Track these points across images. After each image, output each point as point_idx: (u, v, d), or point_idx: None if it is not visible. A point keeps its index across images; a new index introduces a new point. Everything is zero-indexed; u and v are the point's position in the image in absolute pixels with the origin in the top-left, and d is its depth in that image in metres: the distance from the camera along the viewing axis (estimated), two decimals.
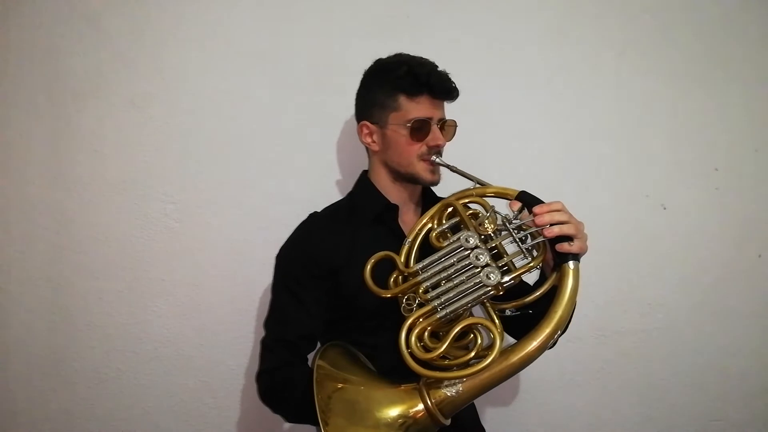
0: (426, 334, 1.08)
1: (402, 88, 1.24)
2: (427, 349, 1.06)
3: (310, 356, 1.27)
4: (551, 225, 1.07)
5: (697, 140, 1.80)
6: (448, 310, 1.08)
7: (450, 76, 1.27)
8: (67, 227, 1.64)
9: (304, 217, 1.35)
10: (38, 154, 1.63)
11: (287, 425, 1.68)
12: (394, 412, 1.07)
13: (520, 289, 1.15)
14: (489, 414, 1.75)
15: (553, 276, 1.10)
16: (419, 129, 1.24)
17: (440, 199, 1.37)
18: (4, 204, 1.63)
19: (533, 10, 1.75)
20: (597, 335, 1.78)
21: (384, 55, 1.34)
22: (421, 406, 1.06)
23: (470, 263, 1.09)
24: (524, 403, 1.77)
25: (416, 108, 1.24)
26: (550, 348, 1.08)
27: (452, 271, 1.10)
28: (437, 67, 1.27)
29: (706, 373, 1.81)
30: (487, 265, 1.08)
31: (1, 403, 1.65)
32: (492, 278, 1.07)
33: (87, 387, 1.66)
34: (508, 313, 1.13)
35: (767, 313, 1.82)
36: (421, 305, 1.10)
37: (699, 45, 1.80)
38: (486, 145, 1.70)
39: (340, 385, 1.09)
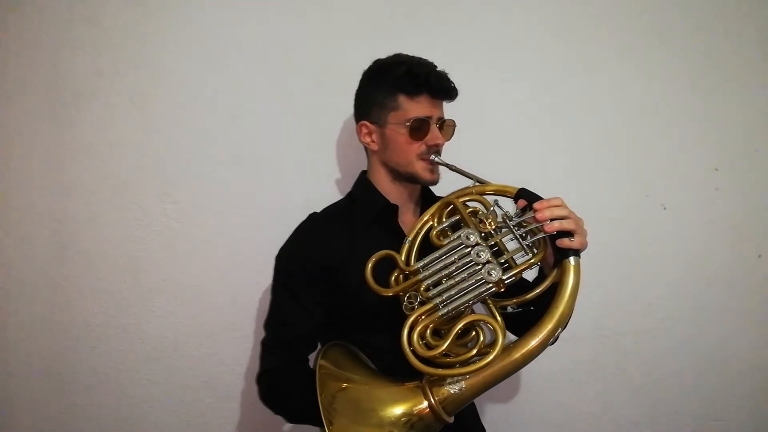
0: (428, 331, 1.08)
1: (401, 87, 1.24)
2: (429, 347, 1.06)
3: (311, 357, 1.27)
4: (552, 220, 1.08)
5: (697, 140, 1.80)
6: (450, 308, 1.08)
7: (449, 75, 1.28)
8: (67, 227, 1.64)
9: (304, 217, 1.35)
10: (38, 154, 1.63)
11: (288, 425, 1.68)
12: (397, 410, 1.07)
13: (520, 286, 1.15)
14: (490, 414, 1.75)
15: (554, 272, 1.10)
16: (419, 128, 1.24)
17: (439, 198, 1.38)
18: (4, 204, 1.63)
19: (533, 10, 1.75)
20: (597, 335, 1.78)
21: (383, 56, 1.34)
22: (425, 404, 1.06)
23: (471, 260, 1.09)
24: (524, 403, 1.77)
25: (416, 107, 1.25)
26: (551, 344, 1.08)
27: (453, 268, 1.10)
28: (436, 67, 1.27)
29: (706, 373, 1.81)
30: (488, 262, 1.08)
31: (1, 403, 1.65)
32: (493, 275, 1.07)
33: (87, 387, 1.66)
34: (509, 309, 1.13)
35: (767, 313, 1.82)
36: (422, 303, 1.10)
37: (699, 45, 1.80)
38: (485, 145, 1.70)
39: (343, 385, 1.09)
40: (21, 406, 1.65)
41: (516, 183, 1.18)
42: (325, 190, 1.63)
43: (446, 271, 1.10)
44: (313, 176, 1.67)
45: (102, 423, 1.66)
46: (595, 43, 1.77)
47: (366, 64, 1.34)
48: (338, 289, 1.25)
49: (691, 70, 1.80)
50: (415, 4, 1.71)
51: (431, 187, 1.38)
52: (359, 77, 1.35)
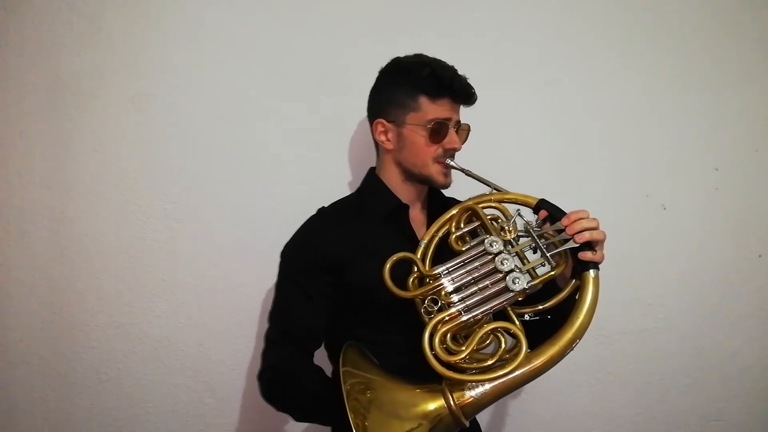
0: (448, 336, 1.08)
1: (424, 89, 1.24)
2: (449, 352, 1.06)
3: (316, 353, 1.27)
4: (582, 231, 1.09)
5: (697, 140, 1.80)
6: (472, 314, 1.08)
7: (469, 80, 1.28)
8: (67, 227, 1.64)
9: (304, 217, 1.34)
10: (38, 154, 1.63)
11: (288, 426, 1.68)
12: (418, 412, 1.06)
13: (531, 294, 1.15)
14: (490, 414, 1.75)
15: (572, 283, 1.12)
16: (438, 131, 1.24)
17: (448, 199, 1.38)
18: (4, 204, 1.63)
19: (533, 10, 1.75)
20: (597, 335, 1.77)
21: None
22: (444, 408, 1.06)
23: (495, 268, 1.09)
24: (524, 403, 1.76)
25: (437, 110, 1.24)
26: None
27: (477, 275, 1.10)
28: (458, 71, 1.27)
29: (706, 373, 1.81)
30: (512, 270, 1.09)
31: (1, 403, 1.65)
32: (517, 284, 1.08)
33: (87, 387, 1.66)
34: (526, 317, 1.13)
35: (767, 313, 1.82)
36: (442, 308, 1.09)
37: (699, 45, 1.80)
38: (485, 145, 1.69)
39: (364, 387, 1.08)
40: (21, 406, 1.65)
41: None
42: (325, 189, 1.61)
43: (469, 278, 1.10)
44: (314, 176, 1.67)
45: (102, 423, 1.66)
46: (595, 43, 1.77)
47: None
48: (345, 285, 1.24)
49: (692, 69, 1.80)
50: (415, 5, 1.71)
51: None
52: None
